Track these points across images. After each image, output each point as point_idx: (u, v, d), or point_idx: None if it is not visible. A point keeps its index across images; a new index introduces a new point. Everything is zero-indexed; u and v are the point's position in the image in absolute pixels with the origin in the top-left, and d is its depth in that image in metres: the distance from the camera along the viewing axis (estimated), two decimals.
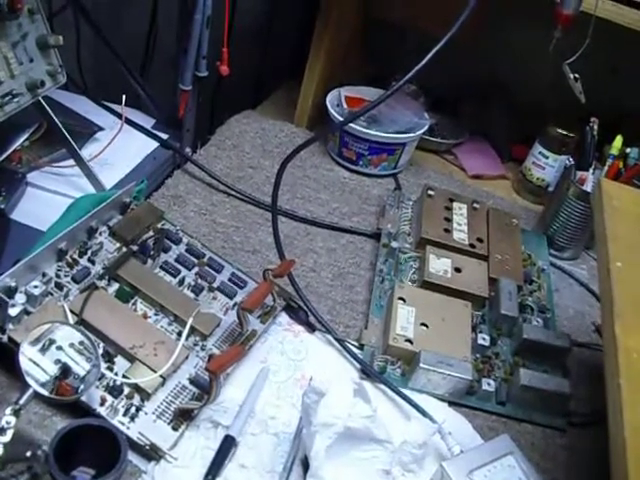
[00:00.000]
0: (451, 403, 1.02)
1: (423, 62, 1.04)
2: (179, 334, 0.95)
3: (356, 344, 1.05)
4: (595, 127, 1.31)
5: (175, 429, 0.87)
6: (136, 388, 0.88)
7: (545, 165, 1.46)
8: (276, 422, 0.92)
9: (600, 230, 0.88)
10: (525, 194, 1.52)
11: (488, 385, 1.02)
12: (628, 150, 1.33)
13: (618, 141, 1.32)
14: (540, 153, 1.46)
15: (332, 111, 1.41)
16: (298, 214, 1.27)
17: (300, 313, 1.07)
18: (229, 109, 1.52)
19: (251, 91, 1.70)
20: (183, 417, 0.88)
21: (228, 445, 0.87)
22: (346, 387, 0.83)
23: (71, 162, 1.19)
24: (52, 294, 0.94)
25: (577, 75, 1.19)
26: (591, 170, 1.31)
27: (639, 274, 0.82)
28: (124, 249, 1.02)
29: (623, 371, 0.69)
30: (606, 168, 1.31)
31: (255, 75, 1.73)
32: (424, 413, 0.94)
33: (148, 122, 1.40)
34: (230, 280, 1.07)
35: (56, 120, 1.12)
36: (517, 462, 0.88)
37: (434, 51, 1.05)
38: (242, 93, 1.63)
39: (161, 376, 0.89)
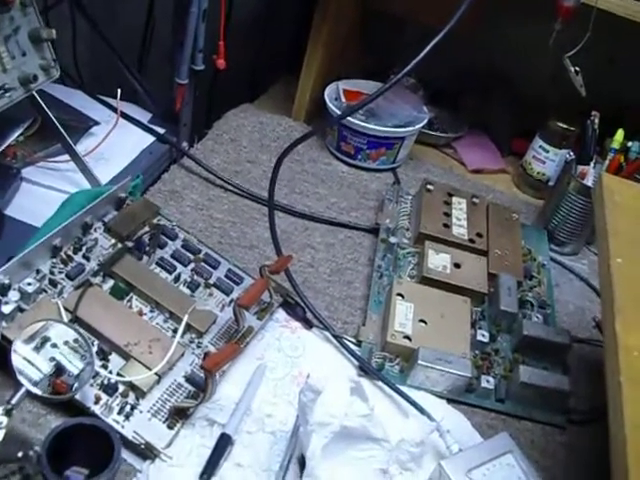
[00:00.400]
0: (450, 400, 1.01)
1: (422, 54, 1.03)
2: (175, 331, 0.94)
3: (354, 341, 1.04)
4: (596, 121, 1.30)
5: (170, 427, 0.86)
6: (131, 386, 0.87)
7: (545, 159, 1.45)
8: (273, 420, 0.91)
9: (601, 225, 0.87)
10: (525, 188, 1.51)
11: (487, 382, 1.01)
12: (629, 144, 1.32)
13: (619, 135, 1.31)
14: (540, 147, 1.45)
15: (330, 105, 1.40)
16: (296, 209, 1.25)
17: (297, 309, 1.06)
18: (226, 103, 1.51)
19: (248, 85, 1.69)
20: (178, 415, 0.87)
21: (224, 444, 0.86)
22: (343, 385, 0.82)
23: (66, 157, 1.17)
24: (46, 291, 0.93)
25: (578, 68, 1.18)
26: (592, 164, 1.30)
27: (636, 270, 0.80)
28: (119, 245, 1.01)
29: (623, 369, 0.68)
30: (607, 162, 1.30)
31: (252, 69, 1.72)
32: (422, 411, 0.93)
33: (145, 116, 1.39)
34: (226, 276, 1.06)
35: (50, 115, 1.11)
36: (516, 461, 0.87)
37: (433, 42, 1.03)
38: (239, 87, 1.62)
39: (156, 374, 0.88)
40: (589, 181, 1.28)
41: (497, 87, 1.58)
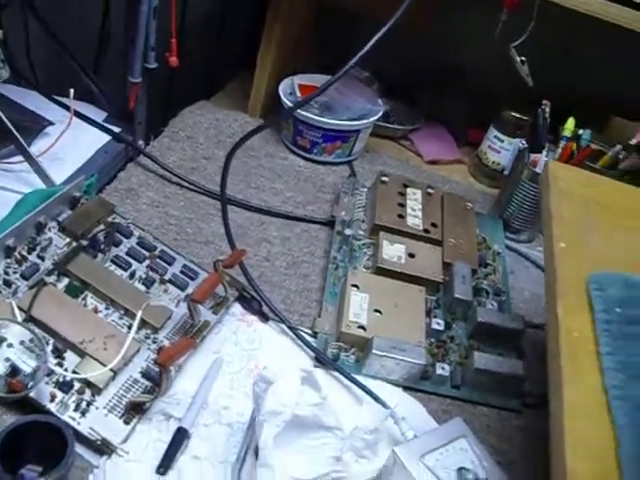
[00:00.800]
0: (406, 388, 1.02)
1: (368, 46, 1.06)
2: (130, 327, 0.95)
3: (310, 332, 1.05)
4: (547, 109, 1.32)
5: (127, 423, 0.87)
6: (86, 383, 0.88)
7: (500, 149, 1.47)
8: (229, 412, 0.92)
9: (546, 211, 0.88)
10: (481, 178, 1.53)
11: (442, 369, 1.02)
12: (581, 132, 1.34)
13: (570, 123, 1.33)
14: (495, 137, 1.47)
15: (285, 99, 1.40)
16: (252, 204, 1.26)
17: (253, 303, 1.07)
18: (184, 101, 1.51)
19: (205, 82, 1.69)
20: (135, 410, 0.88)
21: (180, 437, 0.86)
22: (294, 375, 0.83)
23: (20, 158, 1.17)
24: (0, 292, 0.93)
25: (524, 58, 1.20)
26: (544, 152, 1.32)
27: (583, 255, 0.82)
28: (74, 244, 1.01)
29: (564, 351, 0.69)
30: (559, 150, 1.32)
31: (209, 67, 1.72)
32: (376, 398, 0.95)
33: (100, 116, 1.39)
34: (182, 272, 1.06)
35: (2, 115, 1.11)
36: (470, 445, 0.88)
37: (380, 34, 1.06)
38: (196, 85, 1.62)
39: (112, 370, 0.89)
40: (541, 169, 1.29)
41: (452, 79, 1.59)
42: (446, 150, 1.58)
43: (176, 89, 1.60)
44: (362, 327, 1.02)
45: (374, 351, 0.98)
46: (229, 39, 1.68)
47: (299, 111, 1.35)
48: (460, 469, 0.85)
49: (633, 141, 1.33)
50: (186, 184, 1.27)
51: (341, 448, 0.82)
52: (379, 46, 1.18)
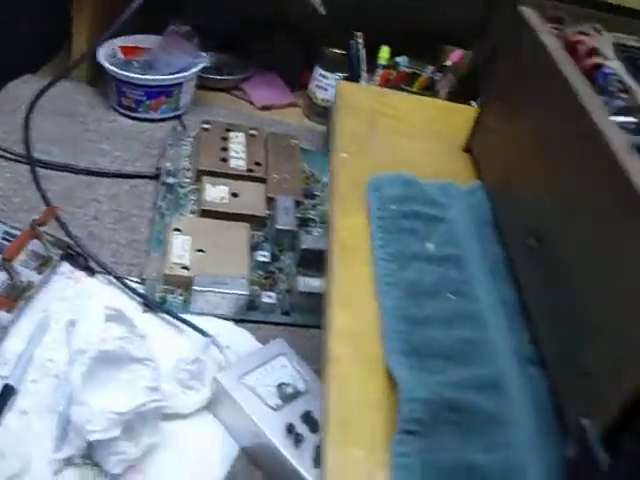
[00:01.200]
0: (238, 321, 1.04)
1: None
2: None
3: (138, 280, 1.06)
4: (360, 40, 1.36)
5: None
6: None
7: (327, 86, 1.50)
8: (56, 364, 0.92)
9: (333, 126, 0.92)
10: (314, 117, 1.56)
11: (269, 298, 1.05)
12: (399, 59, 1.38)
13: (384, 52, 1.37)
14: (320, 75, 1.50)
15: (104, 62, 1.40)
16: (78, 166, 1.26)
17: (79, 259, 1.08)
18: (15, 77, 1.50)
19: (36, 57, 1.67)
20: None
21: (6, 394, 0.87)
22: (98, 314, 0.84)
23: None
24: None
25: None
26: (362, 82, 1.35)
27: (364, 163, 0.86)
28: None
29: (336, 248, 0.73)
30: (378, 78, 1.36)
31: (39, 40, 1.70)
32: (196, 328, 0.97)
33: None
34: (3, 239, 1.06)
35: None
36: (289, 362, 0.92)
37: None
38: (27, 60, 1.61)
39: None
40: None
41: (279, 26, 1.62)
42: (278, 95, 1.61)
43: (6, 65, 1.57)
44: (185, 267, 1.04)
45: (194, 287, 1.00)
46: (58, 11, 1.67)
47: (119, 71, 1.37)
48: (280, 384, 0.89)
49: (448, 63, 1.38)
50: (11, 156, 1.26)
51: (155, 378, 0.84)
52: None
